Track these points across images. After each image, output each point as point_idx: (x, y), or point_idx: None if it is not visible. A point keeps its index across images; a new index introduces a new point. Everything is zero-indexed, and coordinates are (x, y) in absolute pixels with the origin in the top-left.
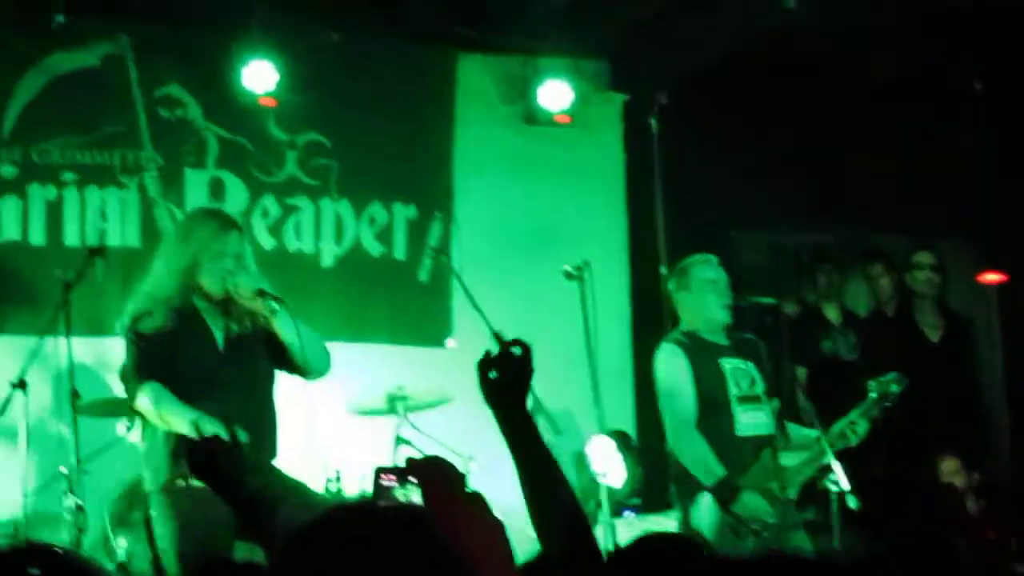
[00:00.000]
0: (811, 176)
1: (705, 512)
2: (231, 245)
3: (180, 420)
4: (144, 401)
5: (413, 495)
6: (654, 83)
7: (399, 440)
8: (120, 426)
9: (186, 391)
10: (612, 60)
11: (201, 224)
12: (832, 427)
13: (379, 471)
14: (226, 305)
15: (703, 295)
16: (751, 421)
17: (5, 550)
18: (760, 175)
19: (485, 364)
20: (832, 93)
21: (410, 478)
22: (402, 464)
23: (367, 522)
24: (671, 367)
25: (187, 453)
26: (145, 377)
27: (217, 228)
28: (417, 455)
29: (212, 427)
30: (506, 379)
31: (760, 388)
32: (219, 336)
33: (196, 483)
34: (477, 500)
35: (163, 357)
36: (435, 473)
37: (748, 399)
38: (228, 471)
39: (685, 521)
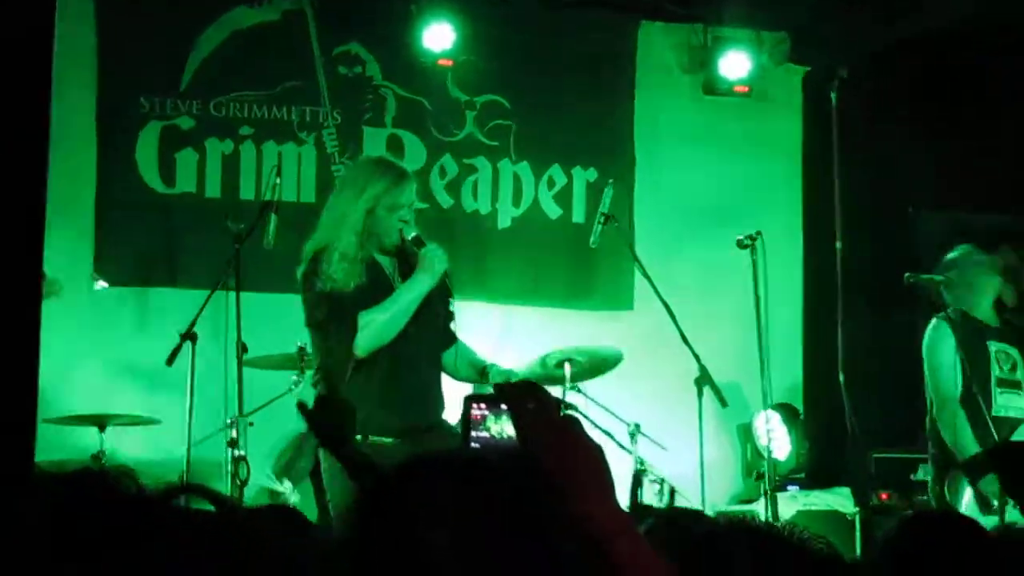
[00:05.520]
0: (994, 158)
1: (958, 488)
2: (406, 196)
3: (412, 300)
4: (372, 323)
5: (506, 425)
6: (836, 57)
7: (565, 407)
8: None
9: None
10: (794, 32)
11: (377, 175)
12: None
13: (469, 400)
14: (402, 256)
15: (975, 280)
16: (1008, 403)
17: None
18: (940, 154)
19: None
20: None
21: (502, 407)
22: (491, 392)
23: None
24: (937, 343)
25: (297, 406)
26: (351, 321)
27: (394, 179)
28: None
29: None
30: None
31: (1021, 374)
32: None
33: (373, 438)
34: (573, 423)
35: (353, 311)
36: (527, 399)
37: (1008, 383)
38: (336, 424)
39: (940, 496)
